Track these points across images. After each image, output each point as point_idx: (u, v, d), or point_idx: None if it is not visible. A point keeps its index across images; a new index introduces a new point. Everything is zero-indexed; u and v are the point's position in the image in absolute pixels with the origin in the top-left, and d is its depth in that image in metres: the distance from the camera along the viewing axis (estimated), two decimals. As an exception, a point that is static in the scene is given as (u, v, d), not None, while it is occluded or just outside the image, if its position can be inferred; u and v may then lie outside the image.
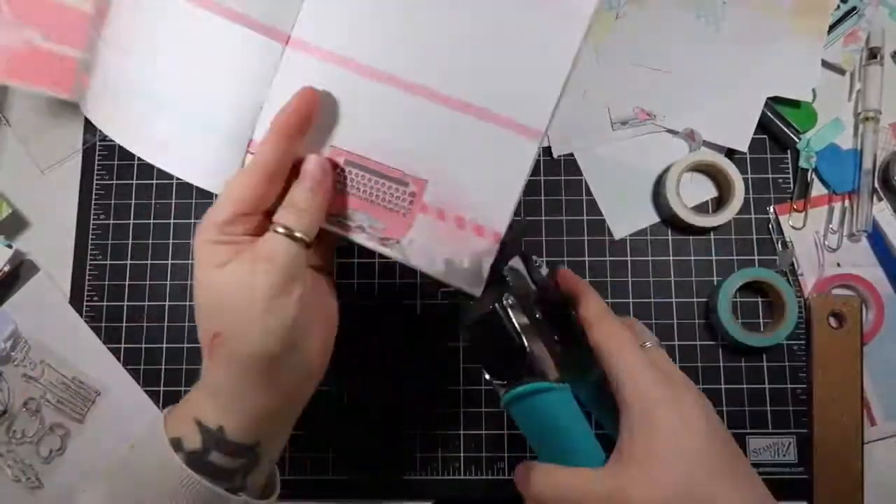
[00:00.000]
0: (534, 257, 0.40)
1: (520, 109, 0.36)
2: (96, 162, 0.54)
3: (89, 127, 0.54)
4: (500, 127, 0.36)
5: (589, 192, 0.53)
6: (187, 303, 0.52)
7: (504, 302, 0.35)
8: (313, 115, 0.36)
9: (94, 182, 0.54)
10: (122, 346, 0.52)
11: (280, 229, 0.34)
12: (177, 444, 0.33)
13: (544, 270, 0.39)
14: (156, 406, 0.51)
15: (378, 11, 0.36)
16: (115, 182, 0.54)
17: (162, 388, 0.51)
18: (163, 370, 0.51)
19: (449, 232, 0.36)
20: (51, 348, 0.51)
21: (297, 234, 0.34)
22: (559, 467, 0.34)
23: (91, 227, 0.53)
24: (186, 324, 0.52)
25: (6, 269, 0.51)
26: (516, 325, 0.35)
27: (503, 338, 0.35)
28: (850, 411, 0.49)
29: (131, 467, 0.35)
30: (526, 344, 0.35)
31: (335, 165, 0.36)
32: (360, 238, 0.37)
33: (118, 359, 0.51)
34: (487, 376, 0.36)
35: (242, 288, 0.33)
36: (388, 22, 0.36)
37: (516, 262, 0.38)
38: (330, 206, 0.36)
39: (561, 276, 0.40)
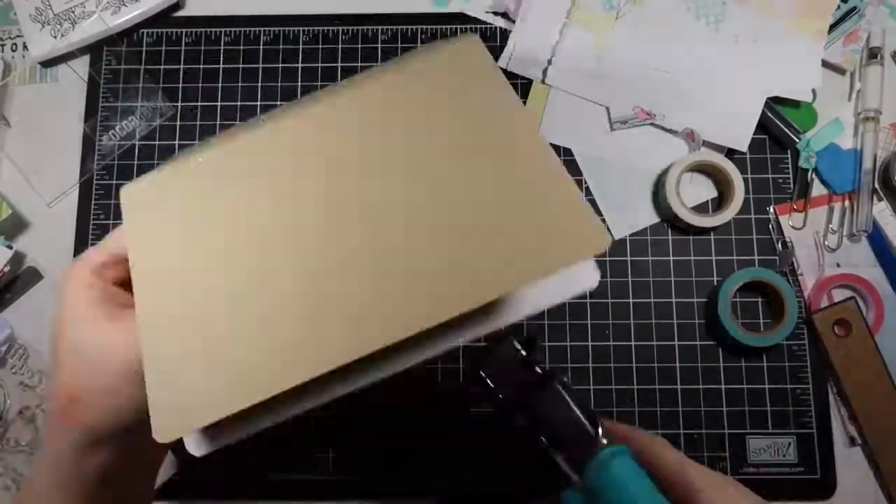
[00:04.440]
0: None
1: None
2: (96, 162, 0.54)
3: (88, 155, 0.54)
4: None
5: (589, 192, 0.53)
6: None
7: (561, 376, 0.34)
8: None
9: (94, 182, 0.54)
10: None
11: None
12: None
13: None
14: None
15: None
16: (114, 182, 0.54)
17: (162, 389, 0.51)
18: (163, 370, 0.51)
19: None
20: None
21: None
22: None
23: (91, 227, 0.53)
24: (186, 324, 0.52)
25: (6, 269, 0.50)
26: (575, 397, 0.34)
27: (569, 413, 0.34)
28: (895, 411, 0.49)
29: None
30: (595, 415, 0.34)
31: None
32: None
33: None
34: (558, 456, 0.34)
35: (121, 353, 0.29)
36: None
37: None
38: None
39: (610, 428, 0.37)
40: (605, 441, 0.33)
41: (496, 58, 0.55)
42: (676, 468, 0.33)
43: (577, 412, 0.34)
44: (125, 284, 0.30)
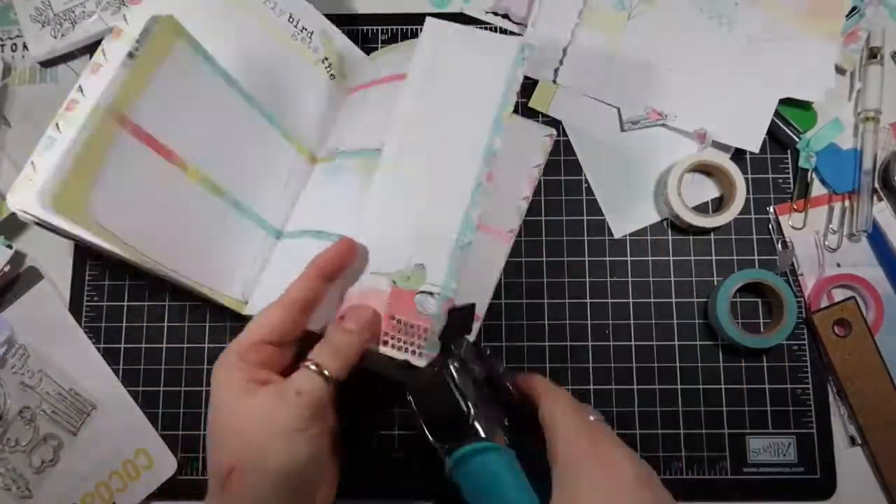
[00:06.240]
0: (486, 349, 0.44)
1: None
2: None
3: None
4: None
5: (589, 193, 0.53)
6: (188, 303, 0.52)
7: (450, 365, 0.37)
8: (349, 264, 0.39)
9: (94, 182, 0.54)
10: (122, 346, 0.52)
11: (312, 366, 0.35)
12: None
13: (502, 368, 0.40)
14: (151, 425, 0.50)
15: None
16: (114, 182, 0.54)
17: (161, 389, 0.51)
18: (162, 370, 0.51)
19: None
20: (50, 358, 0.51)
21: (327, 373, 0.35)
22: None
23: (91, 227, 0.53)
24: (186, 324, 0.52)
25: (6, 269, 0.50)
26: (461, 387, 0.36)
27: (448, 400, 0.36)
28: (894, 410, 0.49)
29: None
30: (470, 406, 0.36)
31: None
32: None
33: (118, 360, 0.51)
34: (431, 440, 0.37)
35: (267, 418, 0.34)
36: None
37: (466, 345, 0.39)
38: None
39: (521, 380, 0.40)
40: (483, 435, 0.35)
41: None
42: (547, 417, 0.36)
43: (459, 400, 0.36)
44: (265, 364, 0.36)
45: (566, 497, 0.32)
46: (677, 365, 0.51)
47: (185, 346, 0.52)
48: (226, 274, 0.46)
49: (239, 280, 0.47)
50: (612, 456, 0.33)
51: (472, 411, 0.35)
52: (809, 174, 0.53)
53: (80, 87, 0.46)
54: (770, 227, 0.52)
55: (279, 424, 0.33)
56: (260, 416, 0.34)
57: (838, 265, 0.52)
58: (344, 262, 0.39)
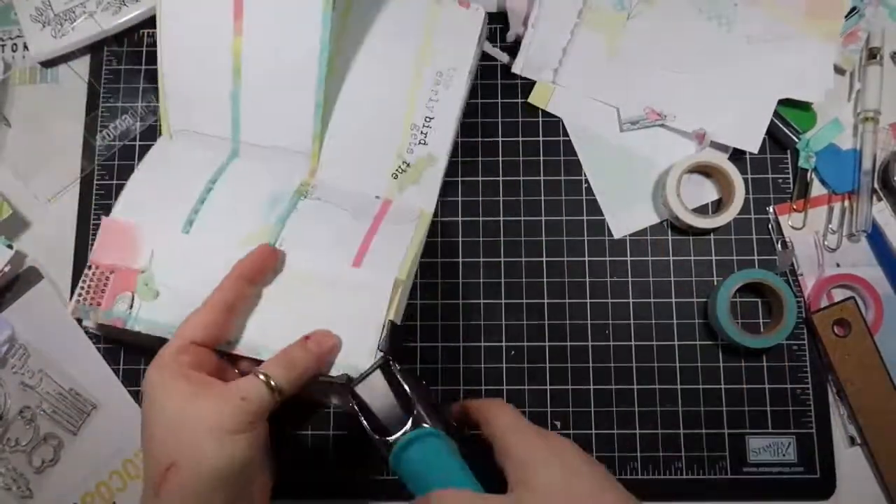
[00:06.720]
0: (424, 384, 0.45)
1: None
2: (96, 161, 0.54)
3: (87, 154, 0.54)
4: None
5: (589, 193, 0.53)
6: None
7: (392, 365, 0.39)
8: (270, 268, 0.42)
9: (95, 182, 0.54)
10: (122, 345, 0.52)
11: (262, 376, 0.37)
12: None
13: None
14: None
15: None
16: (114, 182, 0.54)
17: (162, 389, 0.51)
18: (163, 370, 0.51)
19: None
20: (50, 358, 0.51)
21: (274, 384, 0.37)
22: (476, 494, 0.35)
23: (91, 227, 0.53)
24: (186, 324, 0.52)
25: (6, 269, 0.50)
26: (403, 382, 0.38)
27: (391, 395, 0.38)
28: (894, 410, 0.49)
29: None
30: (413, 394, 0.37)
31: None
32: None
33: (118, 360, 0.51)
34: (376, 437, 0.38)
35: (208, 419, 0.35)
36: None
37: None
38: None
39: (458, 406, 0.41)
40: (426, 425, 0.36)
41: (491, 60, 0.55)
42: (497, 432, 0.37)
43: (393, 398, 0.38)
44: (198, 366, 0.37)
45: (520, 479, 0.34)
46: (677, 365, 0.51)
47: (186, 346, 0.52)
48: None
49: None
50: (566, 453, 0.35)
51: (415, 398, 0.37)
52: (809, 174, 0.53)
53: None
54: (770, 227, 0.53)
55: (220, 426, 0.34)
56: (201, 416, 0.35)
57: (838, 265, 0.52)
58: (264, 266, 0.42)
